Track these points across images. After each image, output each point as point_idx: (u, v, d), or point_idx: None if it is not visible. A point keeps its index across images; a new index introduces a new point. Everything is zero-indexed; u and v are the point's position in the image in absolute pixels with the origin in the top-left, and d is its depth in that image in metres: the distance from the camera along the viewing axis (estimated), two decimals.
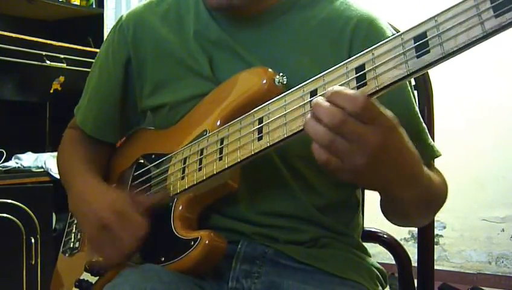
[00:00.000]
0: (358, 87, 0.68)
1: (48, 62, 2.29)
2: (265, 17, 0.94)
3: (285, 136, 0.75)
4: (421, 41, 0.63)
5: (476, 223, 3.06)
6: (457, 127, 2.97)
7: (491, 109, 3.00)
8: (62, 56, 2.35)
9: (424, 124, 0.93)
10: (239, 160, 0.80)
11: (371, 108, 0.63)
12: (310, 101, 0.72)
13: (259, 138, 0.78)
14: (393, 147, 0.66)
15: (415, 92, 1.12)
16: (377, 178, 0.68)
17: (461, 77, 3.04)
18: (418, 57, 0.63)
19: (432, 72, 1.12)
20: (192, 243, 0.82)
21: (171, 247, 0.86)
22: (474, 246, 3.07)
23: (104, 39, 1.10)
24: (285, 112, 0.76)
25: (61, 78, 2.38)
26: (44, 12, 2.65)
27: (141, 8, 1.04)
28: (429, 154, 0.92)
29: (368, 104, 0.62)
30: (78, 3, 2.66)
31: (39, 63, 2.27)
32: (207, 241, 0.82)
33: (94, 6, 2.73)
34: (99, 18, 2.71)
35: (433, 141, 0.98)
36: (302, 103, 0.74)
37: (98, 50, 1.12)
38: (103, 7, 2.74)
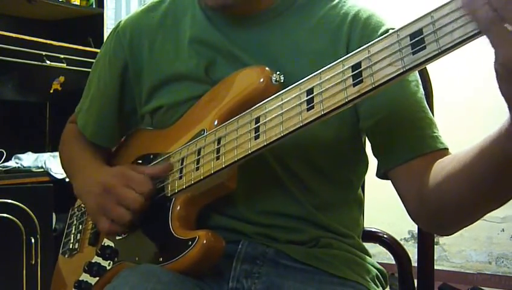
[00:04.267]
0: (354, 85, 0.69)
1: (48, 62, 2.29)
2: (263, 18, 0.94)
3: (282, 134, 0.75)
4: (417, 38, 0.63)
5: (476, 223, 3.03)
6: (457, 127, 2.97)
7: (492, 109, 2.99)
8: (62, 56, 2.35)
9: (430, 114, 0.87)
10: (236, 159, 0.80)
11: None
12: (307, 99, 0.73)
13: (256, 137, 0.78)
14: None
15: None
16: None
17: (461, 80, 3.04)
18: (414, 53, 0.63)
19: (432, 73, 1.12)
20: (190, 243, 0.82)
21: (169, 247, 0.85)
22: (474, 246, 3.07)
23: (104, 39, 1.11)
24: (281, 111, 0.76)
25: (61, 78, 2.38)
26: (44, 12, 2.65)
27: (138, 14, 1.04)
28: (424, 145, 0.84)
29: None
30: (78, 3, 2.65)
31: (39, 63, 2.27)
32: (204, 241, 0.81)
33: (94, 6, 2.73)
34: (99, 18, 2.71)
35: None
36: (298, 102, 0.74)
37: (98, 50, 1.12)
38: (103, 7, 2.74)
